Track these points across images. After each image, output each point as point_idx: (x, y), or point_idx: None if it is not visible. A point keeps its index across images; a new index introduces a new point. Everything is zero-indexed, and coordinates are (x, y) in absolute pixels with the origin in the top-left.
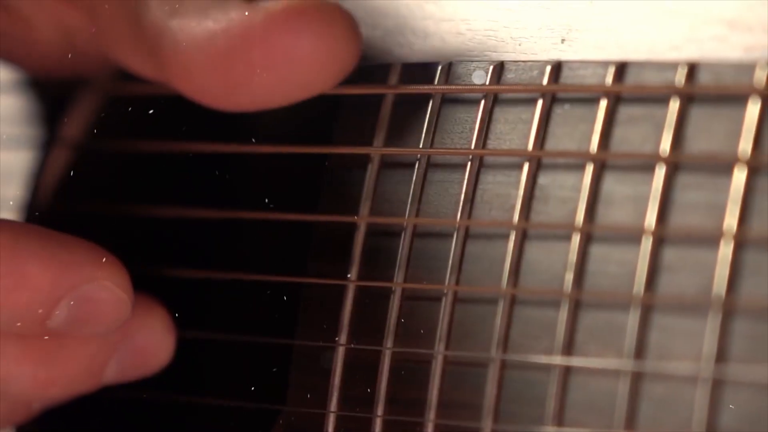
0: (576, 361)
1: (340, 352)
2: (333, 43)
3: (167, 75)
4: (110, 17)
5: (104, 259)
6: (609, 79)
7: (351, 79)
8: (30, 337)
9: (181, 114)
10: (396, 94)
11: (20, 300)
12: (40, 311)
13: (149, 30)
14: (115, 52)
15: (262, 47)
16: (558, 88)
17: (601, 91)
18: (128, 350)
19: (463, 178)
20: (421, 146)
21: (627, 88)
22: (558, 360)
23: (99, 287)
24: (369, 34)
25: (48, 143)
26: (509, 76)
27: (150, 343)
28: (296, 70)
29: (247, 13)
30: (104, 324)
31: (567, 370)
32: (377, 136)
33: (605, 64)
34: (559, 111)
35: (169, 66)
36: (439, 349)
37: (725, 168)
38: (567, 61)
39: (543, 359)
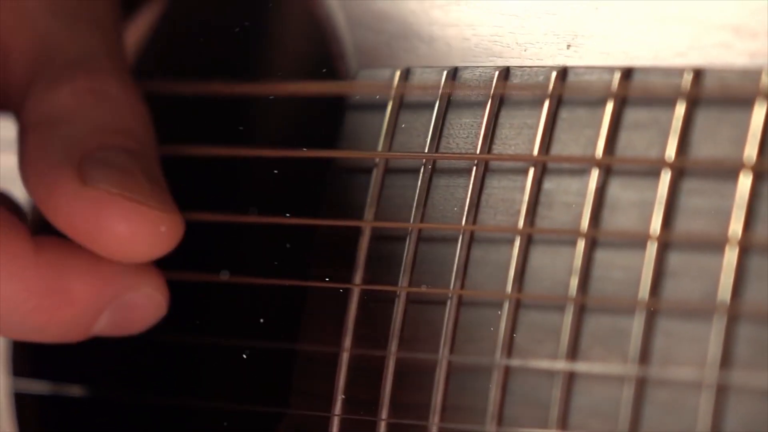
0: (580, 367)
1: (345, 356)
2: (133, 241)
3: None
4: (12, 76)
5: (144, 268)
6: (615, 85)
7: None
8: (39, 276)
9: (184, 117)
10: (401, 99)
11: (66, 315)
12: (85, 323)
13: (21, 118)
14: (9, 103)
15: (65, 220)
16: (566, 90)
17: (608, 94)
18: (120, 307)
19: (468, 183)
20: (426, 151)
21: (634, 90)
22: (561, 365)
23: (139, 295)
24: (374, 38)
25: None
26: (515, 81)
27: (143, 302)
28: (94, 247)
29: (64, 182)
30: (143, 326)
31: (571, 376)
32: (382, 141)
33: (611, 70)
34: (564, 116)
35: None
36: (444, 354)
37: (730, 174)
38: (573, 67)
39: (547, 364)
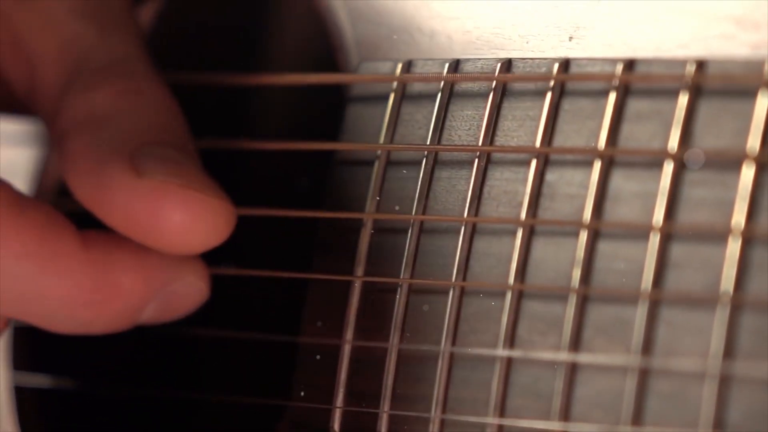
0: (582, 358)
1: (346, 348)
2: (191, 229)
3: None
4: (42, 83)
5: (186, 256)
6: (617, 76)
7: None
8: (87, 274)
9: (185, 108)
10: (402, 91)
11: (115, 309)
12: (132, 314)
13: (58, 123)
14: (35, 110)
15: (121, 214)
16: (569, 77)
17: (611, 81)
18: (166, 296)
19: (471, 175)
20: (428, 143)
21: (637, 78)
22: (564, 356)
23: (184, 284)
24: (375, 31)
25: (51, 139)
26: (517, 73)
27: (186, 291)
28: (150, 240)
29: (119, 176)
30: (185, 313)
31: (573, 367)
32: (384, 133)
33: (613, 62)
34: (567, 107)
35: (58, 164)
36: (446, 346)
37: (733, 164)
38: (575, 59)
39: (549, 355)
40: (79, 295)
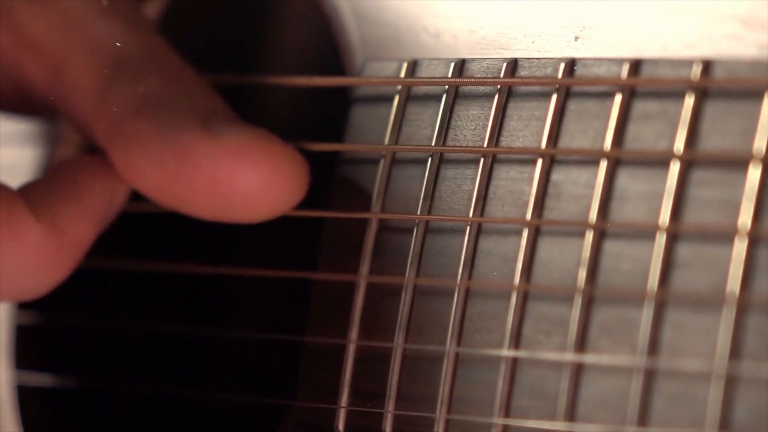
0: (588, 358)
1: (351, 347)
2: (276, 184)
3: (113, 161)
4: (77, 83)
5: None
6: (624, 77)
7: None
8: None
9: None
10: (408, 91)
11: (66, 255)
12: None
13: (108, 117)
14: (69, 111)
15: (207, 179)
16: (574, 82)
17: (617, 85)
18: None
19: (476, 175)
20: (433, 143)
21: (643, 81)
22: (569, 357)
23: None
24: (381, 31)
25: (52, 139)
26: (522, 73)
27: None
28: (237, 203)
29: (198, 142)
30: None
31: (579, 367)
32: (389, 133)
33: (619, 62)
34: (573, 107)
35: (116, 160)
36: (451, 345)
37: (740, 165)
38: (581, 59)
39: (555, 355)
40: (34, 256)
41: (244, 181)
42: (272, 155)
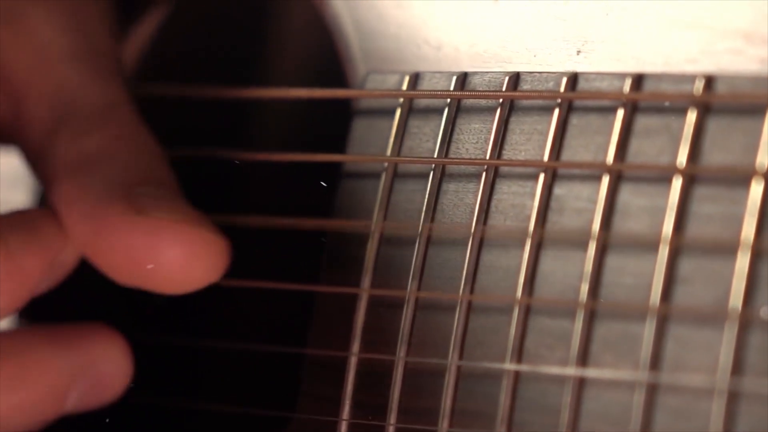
0: (590, 373)
1: (353, 360)
2: (193, 265)
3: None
4: (31, 122)
5: (104, 337)
6: (626, 91)
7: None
8: None
9: (193, 121)
10: (410, 104)
11: (27, 400)
12: (55, 402)
13: (48, 165)
14: (22, 146)
15: (122, 254)
16: (576, 96)
17: (619, 99)
18: (88, 380)
19: (478, 188)
20: (435, 156)
21: (645, 95)
22: (571, 371)
23: (105, 367)
24: (383, 43)
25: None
26: (525, 87)
27: (108, 372)
28: (153, 278)
29: (117, 216)
30: (112, 397)
31: (581, 381)
32: (391, 146)
33: (622, 76)
34: (575, 122)
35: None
36: (453, 359)
37: (742, 180)
38: (583, 73)
39: (557, 370)
40: None
41: (160, 259)
42: (188, 236)
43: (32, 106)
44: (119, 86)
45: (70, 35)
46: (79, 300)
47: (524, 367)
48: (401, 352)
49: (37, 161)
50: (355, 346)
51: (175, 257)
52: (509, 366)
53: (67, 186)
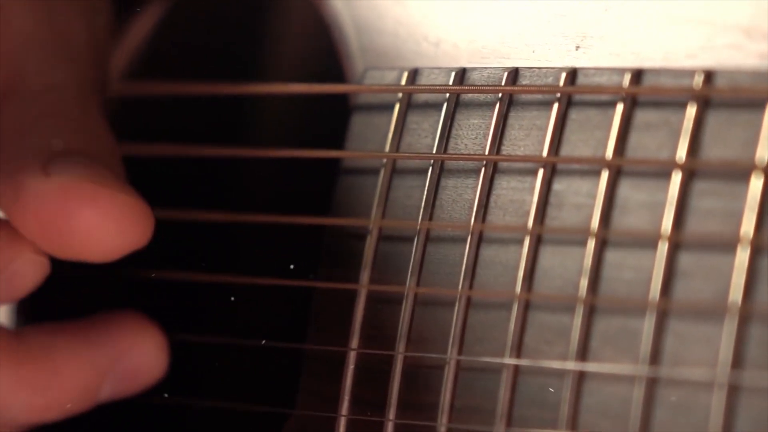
0: (589, 366)
1: (352, 356)
2: (108, 227)
3: None
4: None
5: (135, 327)
6: (625, 86)
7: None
8: (25, 366)
9: (191, 117)
10: (409, 99)
11: (61, 393)
12: (85, 398)
13: None
14: None
15: (36, 219)
16: (575, 90)
17: (618, 93)
18: (121, 371)
19: (477, 184)
20: (434, 151)
21: (644, 90)
22: (571, 365)
23: (138, 358)
24: (381, 39)
25: None
26: (524, 82)
27: (142, 363)
28: (70, 243)
29: (29, 180)
30: (146, 385)
31: (581, 376)
32: (389, 142)
33: (621, 71)
34: (574, 117)
35: None
36: (452, 354)
37: (742, 175)
38: (582, 68)
39: (557, 364)
40: (22, 388)
41: (68, 222)
42: (97, 197)
43: None
44: (75, 70)
45: (32, 16)
46: (78, 298)
47: (523, 362)
48: (400, 347)
49: None
50: (354, 342)
51: (85, 219)
52: (508, 360)
53: None
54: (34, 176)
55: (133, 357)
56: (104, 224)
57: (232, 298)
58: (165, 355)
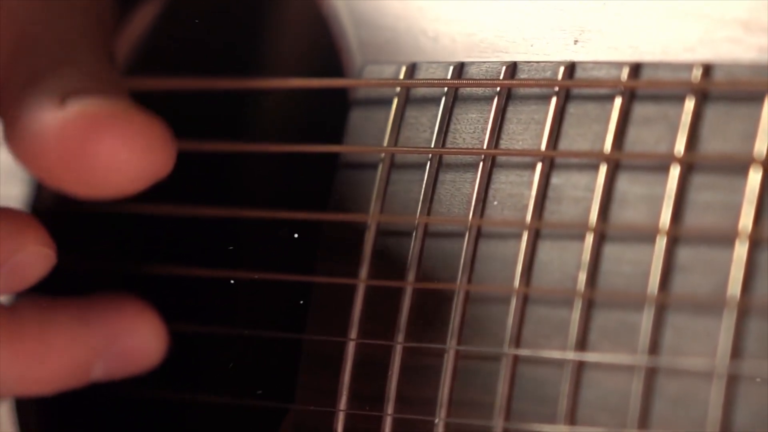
0: (588, 356)
1: (350, 350)
2: (136, 153)
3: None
4: None
5: (133, 310)
6: (624, 80)
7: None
8: (17, 339)
9: (190, 112)
10: (407, 94)
11: (53, 368)
12: (76, 373)
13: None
14: None
15: (62, 154)
16: (573, 84)
17: (616, 87)
18: (116, 352)
19: (475, 178)
20: (432, 146)
21: (643, 83)
22: (571, 355)
23: (134, 341)
24: (379, 34)
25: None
26: (522, 76)
27: (138, 346)
28: (98, 176)
29: (48, 114)
30: (141, 369)
31: (579, 369)
32: (388, 136)
33: (619, 65)
34: (572, 111)
35: (6, 143)
36: (450, 346)
37: (740, 168)
38: (580, 62)
39: (556, 354)
40: (13, 359)
41: (88, 152)
42: (116, 122)
43: None
44: (82, 22)
45: None
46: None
47: (523, 351)
48: (399, 341)
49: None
50: (353, 336)
51: (109, 145)
52: (507, 350)
53: (10, 95)
54: (51, 110)
55: (129, 339)
56: (127, 149)
57: (231, 293)
58: (162, 342)
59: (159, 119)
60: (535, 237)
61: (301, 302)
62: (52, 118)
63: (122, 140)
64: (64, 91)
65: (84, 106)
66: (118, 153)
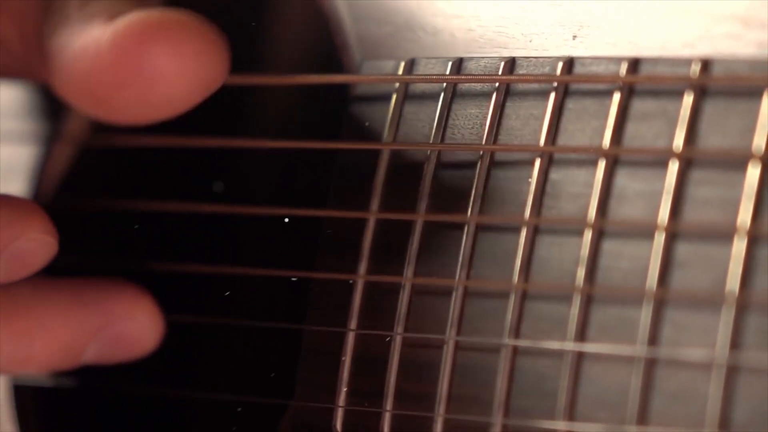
0: (587, 347)
1: (349, 347)
2: (190, 60)
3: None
4: (30, 28)
5: (129, 295)
6: (622, 75)
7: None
8: (10, 318)
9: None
10: (406, 89)
11: (44, 348)
12: (68, 353)
13: (43, 47)
14: (31, 62)
15: (115, 66)
16: (573, 79)
17: (615, 82)
18: (109, 336)
19: (474, 174)
20: (431, 142)
21: (642, 78)
22: (570, 346)
23: (129, 326)
24: (378, 30)
25: (50, 138)
26: (520, 72)
27: (132, 332)
28: (153, 87)
29: (99, 32)
30: (135, 355)
31: (578, 364)
32: (386, 132)
33: (618, 60)
34: (571, 106)
35: (53, 83)
36: (449, 344)
37: (739, 164)
38: (579, 58)
39: (555, 345)
40: (4, 337)
41: (148, 61)
42: (175, 29)
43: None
44: None
45: None
46: None
47: (522, 342)
48: (397, 338)
49: (29, 54)
50: (351, 334)
51: (163, 55)
52: (507, 341)
53: (56, 24)
54: (101, 27)
55: (123, 323)
56: (182, 56)
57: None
58: (157, 330)
59: (212, 27)
60: (534, 233)
61: (300, 298)
62: (104, 33)
63: (177, 47)
64: (110, 11)
65: (135, 17)
66: (174, 60)
